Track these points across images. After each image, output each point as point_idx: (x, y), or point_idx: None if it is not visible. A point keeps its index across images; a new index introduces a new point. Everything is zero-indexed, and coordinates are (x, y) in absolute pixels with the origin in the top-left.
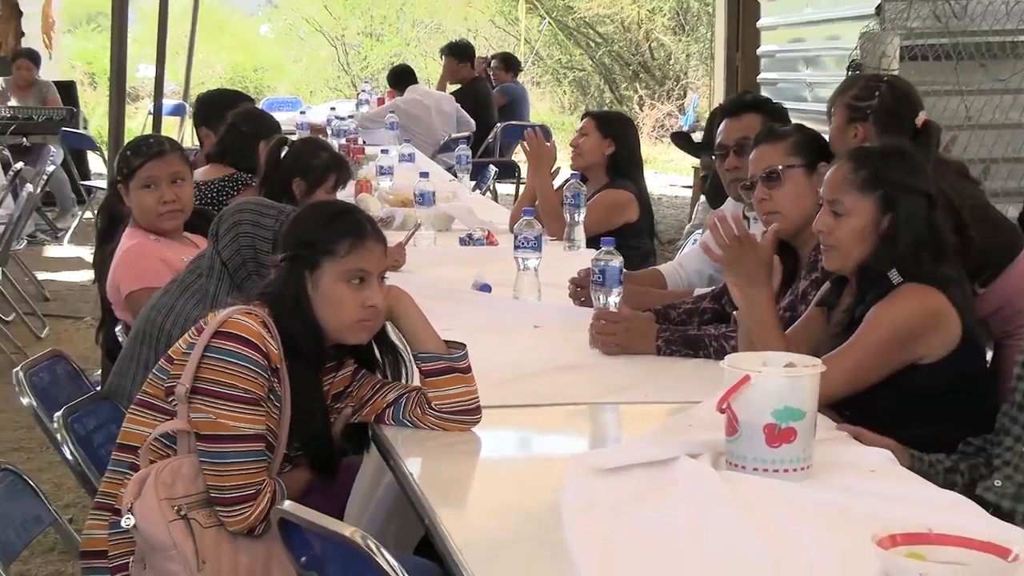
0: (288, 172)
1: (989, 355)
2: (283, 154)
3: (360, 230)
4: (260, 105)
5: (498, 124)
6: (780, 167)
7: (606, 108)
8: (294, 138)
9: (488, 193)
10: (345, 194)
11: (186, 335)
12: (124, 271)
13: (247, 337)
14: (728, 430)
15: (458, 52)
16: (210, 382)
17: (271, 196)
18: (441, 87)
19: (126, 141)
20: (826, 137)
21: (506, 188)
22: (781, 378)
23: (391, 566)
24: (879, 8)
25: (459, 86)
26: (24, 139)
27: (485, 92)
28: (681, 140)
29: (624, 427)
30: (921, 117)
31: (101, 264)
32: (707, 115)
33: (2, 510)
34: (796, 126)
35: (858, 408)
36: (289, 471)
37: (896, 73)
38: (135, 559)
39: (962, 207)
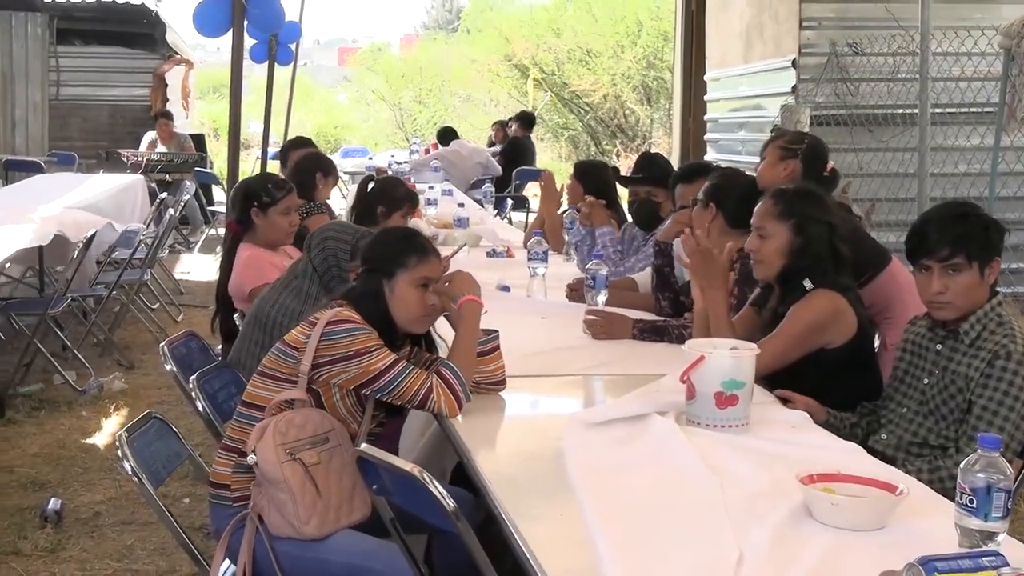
0: (374, 200)
1: (877, 342)
2: (371, 187)
3: (424, 248)
4: (337, 153)
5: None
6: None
7: (592, 158)
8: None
9: (505, 219)
10: None
11: (300, 328)
12: (249, 273)
13: (353, 319)
14: (688, 396)
15: (525, 122)
16: (339, 352)
17: (359, 217)
18: (502, 140)
19: (239, 179)
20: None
21: (518, 216)
22: (727, 358)
23: (440, 493)
24: (795, 88)
25: (514, 139)
26: (167, 176)
27: (523, 147)
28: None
29: (608, 392)
30: (830, 164)
31: (225, 269)
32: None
33: (152, 448)
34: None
35: (785, 381)
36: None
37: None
38: (255, 485)
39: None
